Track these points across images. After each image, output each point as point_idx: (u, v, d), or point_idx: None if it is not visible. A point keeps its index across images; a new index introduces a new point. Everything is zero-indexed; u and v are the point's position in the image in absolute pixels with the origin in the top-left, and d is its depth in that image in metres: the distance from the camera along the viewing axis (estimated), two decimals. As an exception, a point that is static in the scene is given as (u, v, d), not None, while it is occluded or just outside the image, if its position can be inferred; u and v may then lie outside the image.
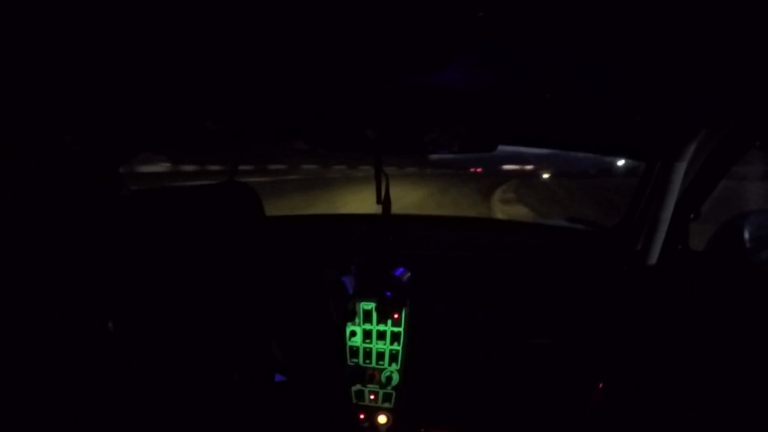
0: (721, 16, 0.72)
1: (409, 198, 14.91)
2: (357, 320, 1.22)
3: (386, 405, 1.27)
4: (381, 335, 1.22)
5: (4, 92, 0.73)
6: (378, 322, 1.22)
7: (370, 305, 1.21)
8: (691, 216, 1.30)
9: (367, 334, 1.23)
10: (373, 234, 1.32)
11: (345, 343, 1.24)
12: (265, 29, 0.76)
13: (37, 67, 0.75)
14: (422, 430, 1.40)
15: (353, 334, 1.24)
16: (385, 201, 1.30)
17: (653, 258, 1.33)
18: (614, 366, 1.38)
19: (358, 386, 1.27)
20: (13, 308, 0.44)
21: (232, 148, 1.64)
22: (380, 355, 1.24)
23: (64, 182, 0.63)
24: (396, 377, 1.24)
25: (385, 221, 1.32)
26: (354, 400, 1.28)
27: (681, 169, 1.22)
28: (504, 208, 13.60)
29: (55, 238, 0.46)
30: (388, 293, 1.23)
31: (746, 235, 1.22)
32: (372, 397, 1.27)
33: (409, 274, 1.29)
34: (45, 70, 0.78)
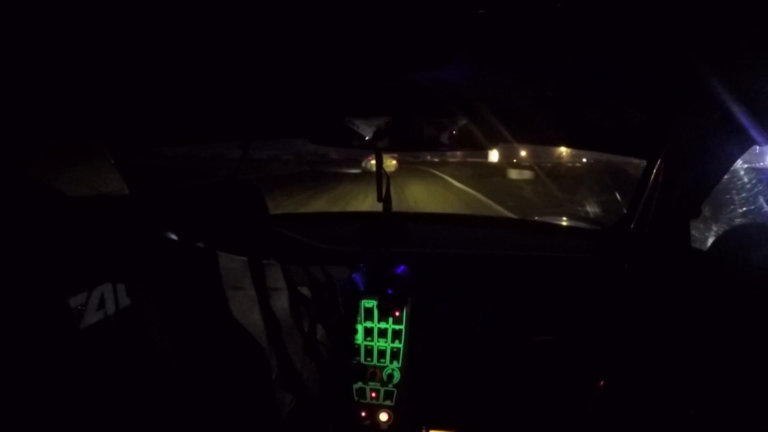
0: (721, 16, 0.72)
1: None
2: (358, 318, 1.23)
3: (387, 403, 1.27)
4: (382, 333, 1.23)
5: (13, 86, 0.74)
6: (379, 320, 1.22)
7: (371, 303, 1.21)
8: (692, 214, 1.30)
9: (368, 332, 1.23)
10: (375, 231, 1.32)
11: (350, 341, 1.24)
12: (268, 28, 0.76)
13: (49, 63, 0.75)
14: (423, 427, 1.40)
15: (354, 331, 1.24)
16: (386, 199, 1.31)
17: (654, 256, 1.33)
18: (615, 364, 1.39)
19: (359, 384, 1.27)
20: (16, 306, 0.44)
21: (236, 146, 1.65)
22: (381, 353, 1.24)
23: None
24: (397, 375, 1.24)
25: (386, 219, 1.33)
26: (355, 398, 1.29)
27: (682, 166, 1.22)
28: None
29: (60, 234, 0.46)
30: (390, 291, 1.23)
31: (748, 234, 1.22)
32: (373, 395, 1.27)
33: (410, 271, 1.29)
34: (56, 67, 0.78)
